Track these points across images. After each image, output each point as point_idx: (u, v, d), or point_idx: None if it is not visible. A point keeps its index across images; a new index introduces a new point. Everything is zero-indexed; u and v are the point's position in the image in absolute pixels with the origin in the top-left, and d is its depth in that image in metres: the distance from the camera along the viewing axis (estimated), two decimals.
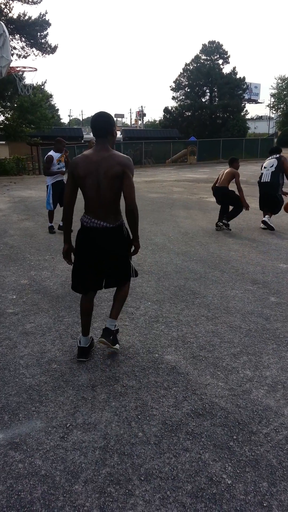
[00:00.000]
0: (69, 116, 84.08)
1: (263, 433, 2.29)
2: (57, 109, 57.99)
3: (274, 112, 57.48)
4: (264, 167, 7.53)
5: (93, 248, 2.89)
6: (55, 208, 7.51)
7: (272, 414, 2.45)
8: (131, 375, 2.87)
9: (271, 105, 55.92)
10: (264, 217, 7.55)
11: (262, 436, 2.27)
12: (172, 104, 54.10)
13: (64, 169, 7.25)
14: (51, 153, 7.21)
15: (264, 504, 1.86)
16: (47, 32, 23.83)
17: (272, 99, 54.60)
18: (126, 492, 1.93)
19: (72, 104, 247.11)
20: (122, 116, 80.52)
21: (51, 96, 38.09)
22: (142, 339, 3.37)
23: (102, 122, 2.80)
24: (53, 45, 24.23)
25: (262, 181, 7.49)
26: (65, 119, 79.16)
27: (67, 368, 2.96)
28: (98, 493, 1.93)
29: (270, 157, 7.59)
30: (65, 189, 2.97)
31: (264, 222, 7.49)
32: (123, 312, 3.88)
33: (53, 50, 24.25)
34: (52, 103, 50.03)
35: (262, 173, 7.52)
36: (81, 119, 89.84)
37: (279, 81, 52.05)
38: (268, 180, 7.35)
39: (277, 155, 7.48)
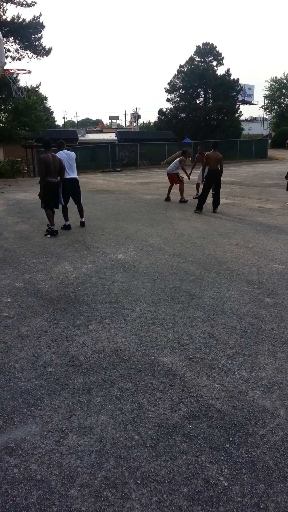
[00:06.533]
0: (64, 118, 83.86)
1: (259, 435, 2.29)
2: (52, 111, 57.88)
3: (268, 113, 57.73)
4: None
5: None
6: (66, 203, 7.84)
7: (268, 415, 2.45)
8: (127, 377, 2.86)
9: (265, 106, 56.14)
10: None
11: (258, 437, 2.27)
12: (166, 105, 54.19)
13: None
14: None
15: (261, 506, 1.85)
16: (41, 35, 23.82)
17: (266, 101, 54.85)
18: (123, 496, 1.92)
19: (67, 106, 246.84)
20: (117, 118, 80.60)
21: (45, 98, 38.02)
22: (138, 341, 3.36)
23: None
24: (47, 47, 24.24)
25: None
26: (59, 121, 79.02)
27: (63, 372, 2.94)
28: (94, 497, 1.91)
29: None
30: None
31: None
32: (118, 314, 3.87)
33: (47, 52, 24.24)
34: (47, 105, 49.89)
35: None
36: (75, 121, 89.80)
37: (272, 82, 52.33)
38: None
39: None
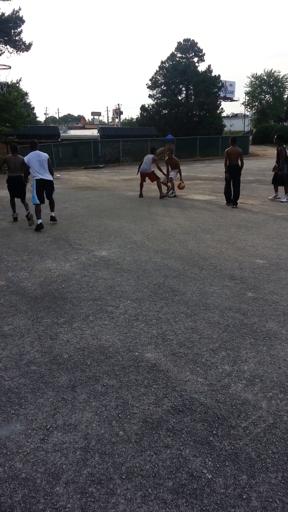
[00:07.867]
0: (45, 114, 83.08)
1: (242, 427, 2.33)
2: (33, 107, 57.20)
3: (249, 110, 58.19)
4: None
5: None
6: (42, 202, 7.96)
7: (250, 407, 2.49)
8: (111, 374, 2.87)
9: (246, 103, 56.55)
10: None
11: (241, 429, 2.31)
12: (149, 102, 53.88)
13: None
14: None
15: (244, 497, 1.89)
16: (21, 29, 23.49)
17: (247, 97, 55.23)
18: (108, 492, 1.93)
19: (48, 102, 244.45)
20: (99, 114, 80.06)
21: (26, 94, 37.35)
22: (122, 338, 3.37)
23: None
24: (27, 42, 23.91)
25: None
26: (41, 118, 78.19)
27: (47, 370, 2.94)
28: (80, 493, 1.92)
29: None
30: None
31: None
32: (102, 311, 3.87)
33: (27, 47, 23.91)
34: (28, 101, 49.26)
35: None
36: (57, 117, 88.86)
37: (252, 79, 52.73)
38: None
39: None
